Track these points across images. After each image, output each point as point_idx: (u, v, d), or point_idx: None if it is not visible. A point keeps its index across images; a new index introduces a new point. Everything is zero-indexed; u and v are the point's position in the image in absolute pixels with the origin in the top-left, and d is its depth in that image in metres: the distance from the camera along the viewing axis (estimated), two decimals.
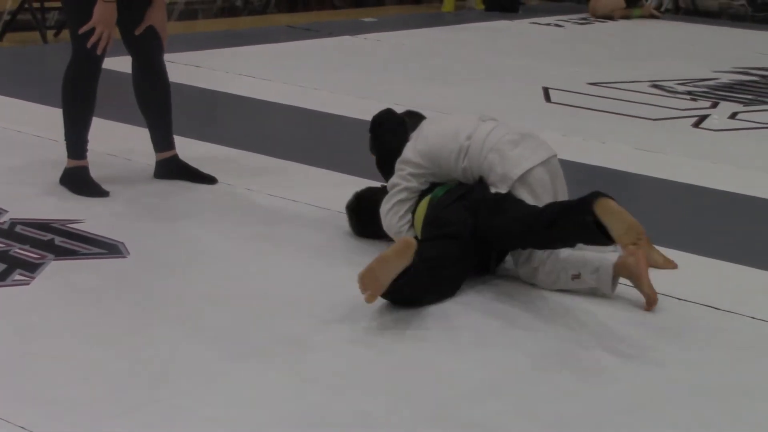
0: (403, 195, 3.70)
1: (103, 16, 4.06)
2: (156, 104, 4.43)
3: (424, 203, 3.65)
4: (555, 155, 3.66)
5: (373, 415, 2.72)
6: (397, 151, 3.78)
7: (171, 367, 2.91)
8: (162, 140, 4.48)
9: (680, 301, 3.52)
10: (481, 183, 3.61)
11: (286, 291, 3.47)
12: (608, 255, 3.51)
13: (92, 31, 4.08)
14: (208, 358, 2.98)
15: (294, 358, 3.00)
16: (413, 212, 3.70)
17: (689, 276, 3.75)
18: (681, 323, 3.38)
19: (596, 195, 3.22)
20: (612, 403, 2.84)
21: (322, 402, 2.77)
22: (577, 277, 3.46)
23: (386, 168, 3.88)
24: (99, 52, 4.13)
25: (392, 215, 3.70)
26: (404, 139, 3.80)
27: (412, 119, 3.93)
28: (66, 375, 2.83)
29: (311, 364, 2.98)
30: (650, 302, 3.41)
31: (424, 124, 3.80)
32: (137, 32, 4.25)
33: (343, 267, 3.64)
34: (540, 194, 3.53)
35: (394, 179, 3.74)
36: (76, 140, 4.30)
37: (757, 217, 4.54)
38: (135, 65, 4.40)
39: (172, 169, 4.48)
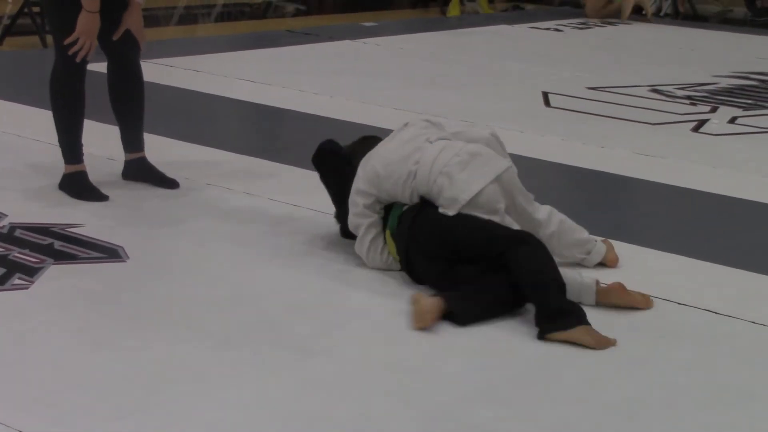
0: (372, 232, 3.64)
1: (87, 26, 4.06)
2: (131, 106, 4.43)
3: (388, 238, 3.63)
4: (508, 168, 3.60)
5: (375, 419, 2.72)
6: (345, 187, 3.73)
7: (170, 371, 2.91)
8: (133, 141, 4.49)
9: (680, 306, 3.52)
10: (428, 203, 3.57)
11: (286, 295, 3.47)
12: (586, 279, 3.45)
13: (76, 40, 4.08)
14: (208, 361, 2.97)
15: (295, 362, 3.00)
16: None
17: (689, 280, 3.75)
18: (681, 328, 3.37)
19: (547, 330, 3.20)
20: (613, 407, 2.84)
21: (323, 405, 2.77)
22: None
23: (339, 203, 3.85)
24: (79, 59, 4.12)
25: (373, 253, 3.64)
26: (350, 174, 3.72)
27: (365, 145, 3.82)
28: (65, 379, 2.83)
29: (313, 367, 2.98)
30: (647, 303, 3.45)
31: (371, 152, 3.69)
32: (115, 37, 4.25)
33: (346, 271, 3.64)
34: (494, 209, 3.50)
35: (354, 219, 3.66)
36: (71, 145, 4.30)
37: (756, 221, 4.54)
38: (111, 67, 4.39)
39: (140, 169, 4.49)
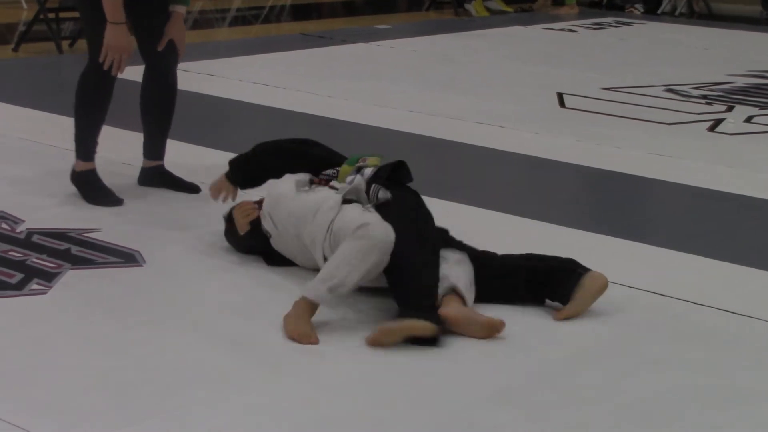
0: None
1: (114, 39, 4.03)
2: (161, 115, 4.44)
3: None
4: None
5: (386, 423, 2.72)
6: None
7: (185, 376, 2.91)
8: (156, 150, 4.49)
9: (695, 306, 3.51)
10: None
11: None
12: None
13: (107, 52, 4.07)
14: (223, 366, 2.98)
15: (307, 366, 3.00)
16: None
17: (705, 280, 3.74)
18: (697, 328, 3.36)
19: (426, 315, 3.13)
20: (627, 408, 2.83)
21: (335, 408, 2.77)
22: None
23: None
24: (114, 74, 4.12)
25: None
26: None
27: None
28: (81, 384, 2.84)
29: (324, 371, 2.98)
30: (495, 328, 3.21)
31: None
32: (159, 48, 4.27)
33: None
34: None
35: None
36: (87, 142, 4.30)
37: None
38: (147, 73, 4.41)
39: (158, 177, 4.50)
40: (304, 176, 3.64)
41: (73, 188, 4.35)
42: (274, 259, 3.70)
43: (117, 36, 4.04)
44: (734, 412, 2.85)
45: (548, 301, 3.42)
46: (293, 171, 3.68)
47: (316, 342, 3.13)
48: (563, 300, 3.37)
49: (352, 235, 3.25)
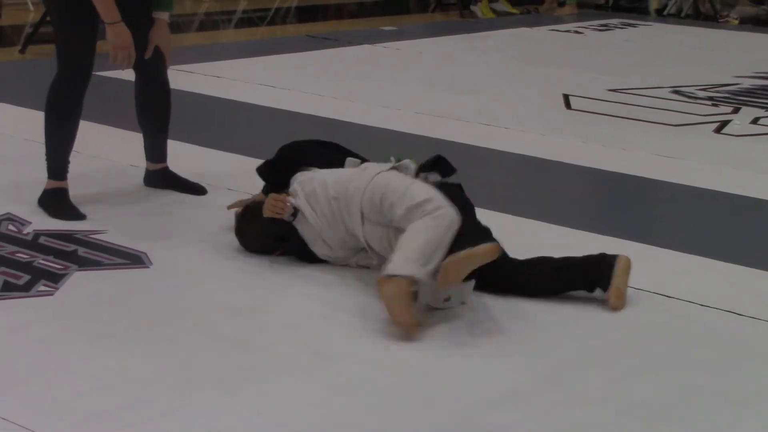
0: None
1: (118, 38, 4.01)
2: (157, 118, 4.44)
3: None
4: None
5: (396, 423, 2.72)
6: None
7: (192, 376, 2.92)
8: (157, 152, 4.49)
9: (700, 307, 3.51)
10: None
11: (306, 301, 3.47)
12: None
13: (78, 45, 4.04)
14: (230, 367, 2.99)
15: (316, 368, 3.01)
16: None
17: (710, 282, 3.74)
18: (702, 329, 3.36)
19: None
20: (633, 409, 2.84)
21: (344, 410, 2.78)
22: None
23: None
24: (123, 68, 4.10)
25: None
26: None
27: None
28: (88, 385, 2.85)
29: (333, 373, 2.99)
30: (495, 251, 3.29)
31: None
32: (147, 56, 4.24)
33: (364, 275, 3.64)
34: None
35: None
36: (57, 161, 4.23)
37: None
38: (139, 80, 4.40)
39: (163, 179, 4.49)
40: (356, 160, 3.73)
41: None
42: (292, 248, 3.71)
43: (120, 35, 4.02)
44: (739, 413, 2.85)
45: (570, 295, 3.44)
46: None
47: (418, 327, 3.14)
48: (604, 285, 3.43)
49: (419, 209, 3.28)
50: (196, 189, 4.48)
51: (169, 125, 4.48)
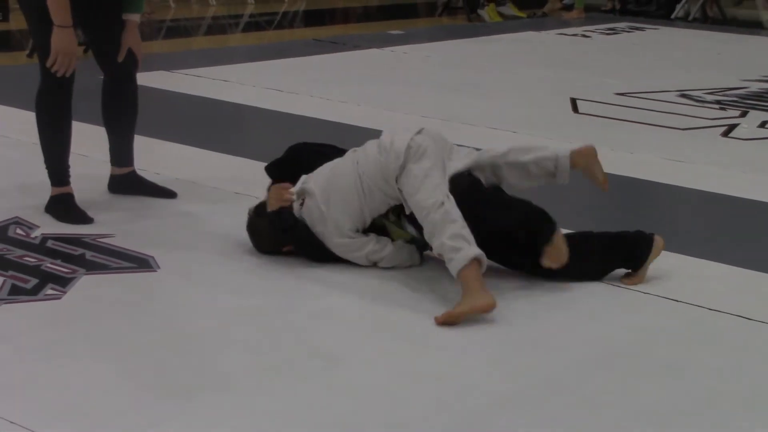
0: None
1: (62, 43, 3.95)
2: (125, 121, 4.41)
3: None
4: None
5: (404, 426, 2.72)
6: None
7: (200, 380, 2.92)
8: (124, 156, 4.45)
9: (711, 311, 3.50)
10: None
11: (314, 304, 3.48)
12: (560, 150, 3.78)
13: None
14: (238, 371, 2.99)
15: (324, 370, 3.01)
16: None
17: (720, 286, 3.73)
18: (713, 334, 3.36)
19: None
20: (644, 414, 2.83)
21: (352, 413, 2.77)
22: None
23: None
24: (60, 75, 4.01)
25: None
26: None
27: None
28: (95, 388, 2.85)
29: (341, 375, 2.99)
30: (604, 183, 3.82)
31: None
32: (120, 59, 4.22)
33: (372, 278, 3.64)
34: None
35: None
36: (57, 167, 4.23)
37: None
38: (108, 82, 4.36)
39: (132, 183, 4.46)
40: None
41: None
42: (301, 245, 3.75)
43: (64, 40, 3.96)
44: (748, 417, 2.84)
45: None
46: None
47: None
48: (638, 263, 3.65)
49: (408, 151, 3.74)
50: (166, 193, 4.44)
51: (135, 128, 4.44)
